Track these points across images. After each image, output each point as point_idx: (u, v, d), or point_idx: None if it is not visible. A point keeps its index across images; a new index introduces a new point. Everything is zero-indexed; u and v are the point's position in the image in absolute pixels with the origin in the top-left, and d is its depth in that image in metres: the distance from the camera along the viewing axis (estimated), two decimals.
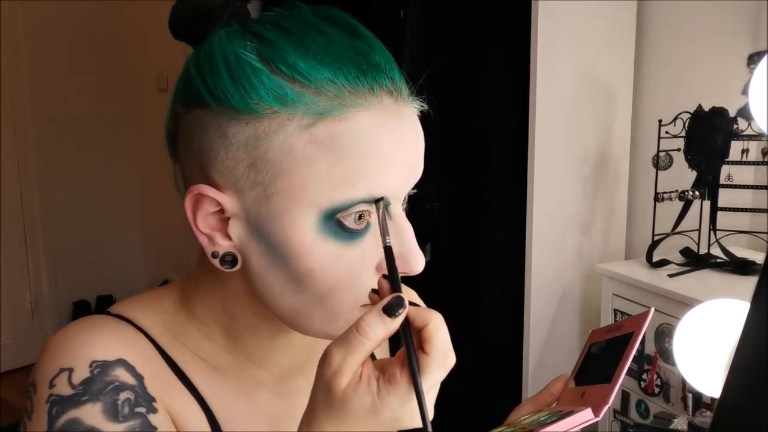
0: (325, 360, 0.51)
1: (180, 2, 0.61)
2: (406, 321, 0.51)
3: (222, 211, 0.57)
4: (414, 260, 0.56)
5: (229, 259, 0.58)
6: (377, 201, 0.55)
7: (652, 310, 0.60)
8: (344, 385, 0.49)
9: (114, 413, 0.55)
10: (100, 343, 0.58)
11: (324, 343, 0.69)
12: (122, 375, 0.57)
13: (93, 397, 0.55)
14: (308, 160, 0.54)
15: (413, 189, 0.60)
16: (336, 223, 0.55)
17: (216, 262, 0.58)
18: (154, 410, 0.58)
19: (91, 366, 0.57)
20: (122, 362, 0.58)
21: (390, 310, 0.50)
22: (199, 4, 0.59)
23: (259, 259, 0.57)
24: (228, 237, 0.58)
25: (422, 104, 0.59)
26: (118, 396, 0.56)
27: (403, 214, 0.58)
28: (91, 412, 0.55)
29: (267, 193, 0.55)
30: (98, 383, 0.56)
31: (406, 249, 0.56)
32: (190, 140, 0.58)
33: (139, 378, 0.58)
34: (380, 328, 0.50)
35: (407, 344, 0.50)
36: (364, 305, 0.58)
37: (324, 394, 0.50)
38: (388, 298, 0.50)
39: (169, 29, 0.61)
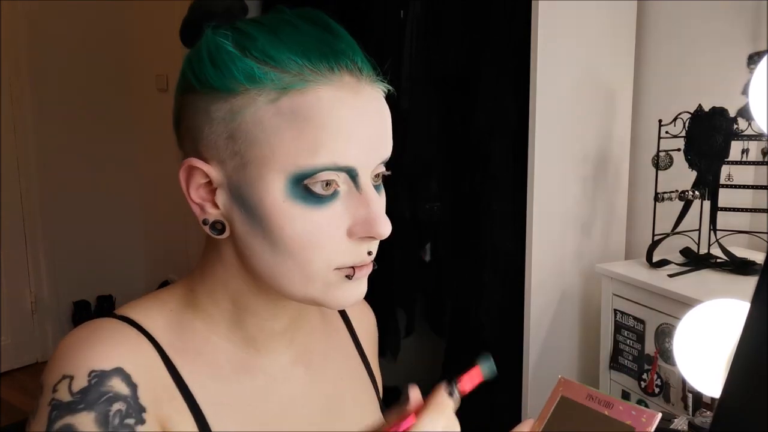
0: None
1: (192, 12, 0.66)
2: None
3: (210, 182, 0.64)
4: (378, 224, 0.62)
5: (219, 227, 0.65)
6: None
7: (659, 415, 0.60)
8: None
9: (105, 423, 0.60)
10: (101, 351, 0.62)
11: (321, 333, 0.76)
12: (117, 385, 0.61)
13: (88, 406, 0.60)
14: (275, 130, 0.60)
15: (387, 171, 0.66)
16: (303, 188, 0.61)
17: (207, 228, 0.65)
18: (142, 421, 0.62)
19: (89, 375, 0.61)
20: (119, 371, 0.62)
21: None
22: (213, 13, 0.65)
23: (241, 224, 0.64)
24: (216, 206, 0.65)
25: (387, 86, 0.65)
26: (110, 407, 0.60)
27: (372, 186, 0.63)
28: (84, 421, 0.59)
29: (243, 161, 0.62)
30: (94, 393, 0.60)
31: (373, 214, 0.62)
32: (185, 122, 0.65)
33: (133, 387, 0.62)
34: None
35: None
36: (337, 268, 0.63)
37: None
38: None
39: (180, 38, 0.67)
